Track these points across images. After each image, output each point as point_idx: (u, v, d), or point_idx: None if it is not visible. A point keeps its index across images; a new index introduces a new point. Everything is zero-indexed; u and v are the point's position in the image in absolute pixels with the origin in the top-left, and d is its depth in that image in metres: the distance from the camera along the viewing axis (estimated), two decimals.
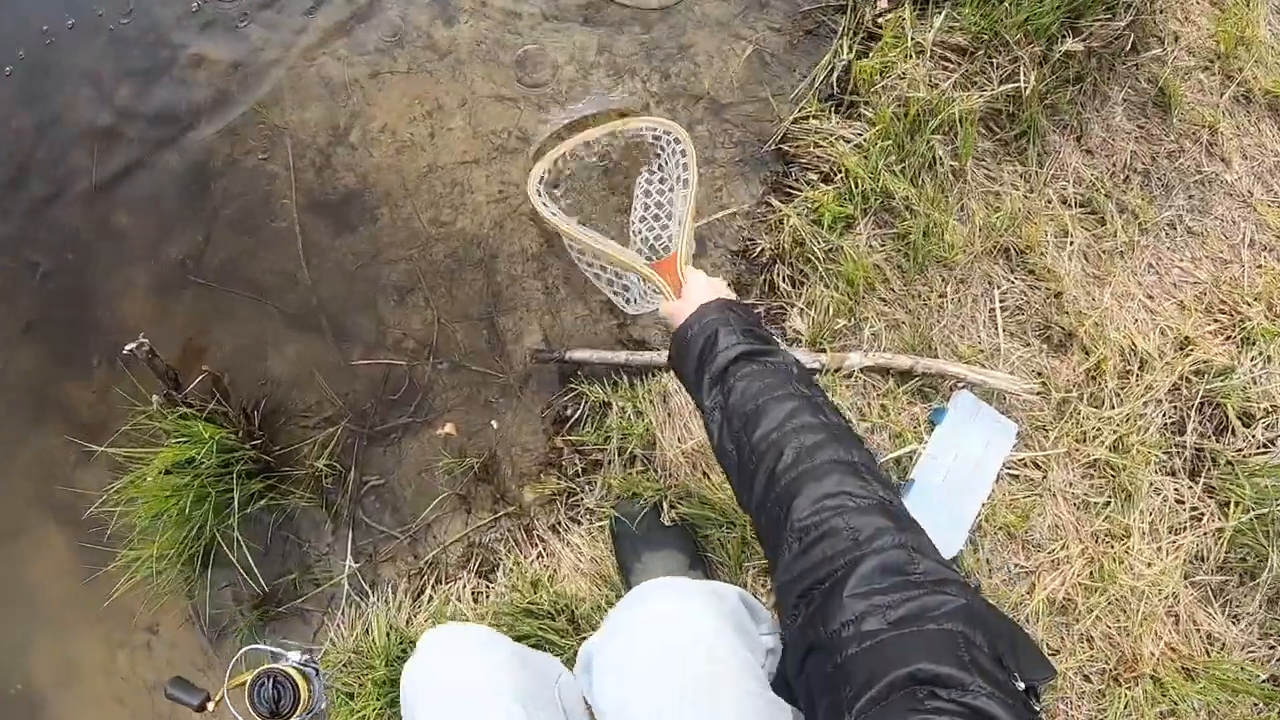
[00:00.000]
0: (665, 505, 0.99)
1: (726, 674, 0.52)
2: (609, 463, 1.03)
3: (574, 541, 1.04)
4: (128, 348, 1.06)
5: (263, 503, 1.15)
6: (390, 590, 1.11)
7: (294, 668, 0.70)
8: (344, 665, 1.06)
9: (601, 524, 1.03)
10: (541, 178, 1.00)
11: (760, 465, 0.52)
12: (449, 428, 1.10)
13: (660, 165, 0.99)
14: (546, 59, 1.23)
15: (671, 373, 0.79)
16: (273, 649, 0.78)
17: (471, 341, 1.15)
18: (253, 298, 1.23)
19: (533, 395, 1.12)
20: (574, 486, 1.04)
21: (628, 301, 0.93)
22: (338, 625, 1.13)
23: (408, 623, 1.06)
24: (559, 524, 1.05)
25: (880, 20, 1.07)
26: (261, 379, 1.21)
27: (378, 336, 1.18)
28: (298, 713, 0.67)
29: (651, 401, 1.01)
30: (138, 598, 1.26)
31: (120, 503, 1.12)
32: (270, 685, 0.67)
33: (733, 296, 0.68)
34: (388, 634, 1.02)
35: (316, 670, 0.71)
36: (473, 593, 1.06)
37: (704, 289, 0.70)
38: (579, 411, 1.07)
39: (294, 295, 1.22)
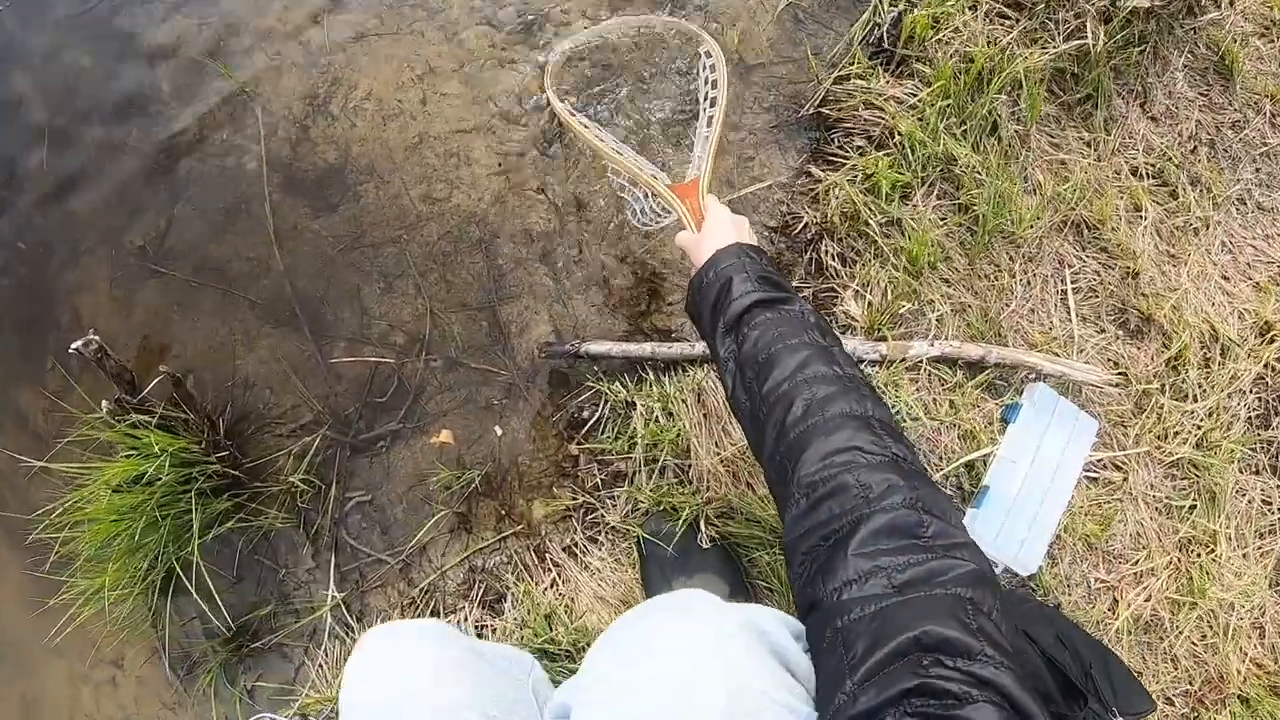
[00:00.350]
0: (703, 523, 0.85)
1: None
2: (634, 474, 0.89)
3: (594, 565, 0.89)
4: (74, 346, 0.90)
5: (230, 524, 0.99)
6: (380, 623, 0.96)
7: None
8: (328, 718, 0.90)
9: (627, 545, 0.89)
10: (556, 72, 0.93)
11: (770, 416, 0.49)
12: (445, 435, 0.96)
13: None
14: (551, 18, 1.09)
15: (691, 324, 0.70)
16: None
17: (470, 334, 1.00)
18: (220, 288, 1.08)
19: (542, 396, 0.97)
20: (593, 501, 0.90)
21: (635, 214, 0.85)
22: (319, 665, 0.98)
23: None
24: (576, 545, 0.91)
25: None
26: (229, 380, 1.05)
27: (362, 330, 1.03)
28: None
29: (684, 401, 0.88)
30: (99, 629, 1.10)
31: (64, 526, 0.95)
32: None
33: (753, 239, 0.64)
34: None
35: None
36: (476, 626, 0.91)
37: (725, 228, 0.64)
38: (598, 414, 0.93)
39: (266, 284, 1.06)
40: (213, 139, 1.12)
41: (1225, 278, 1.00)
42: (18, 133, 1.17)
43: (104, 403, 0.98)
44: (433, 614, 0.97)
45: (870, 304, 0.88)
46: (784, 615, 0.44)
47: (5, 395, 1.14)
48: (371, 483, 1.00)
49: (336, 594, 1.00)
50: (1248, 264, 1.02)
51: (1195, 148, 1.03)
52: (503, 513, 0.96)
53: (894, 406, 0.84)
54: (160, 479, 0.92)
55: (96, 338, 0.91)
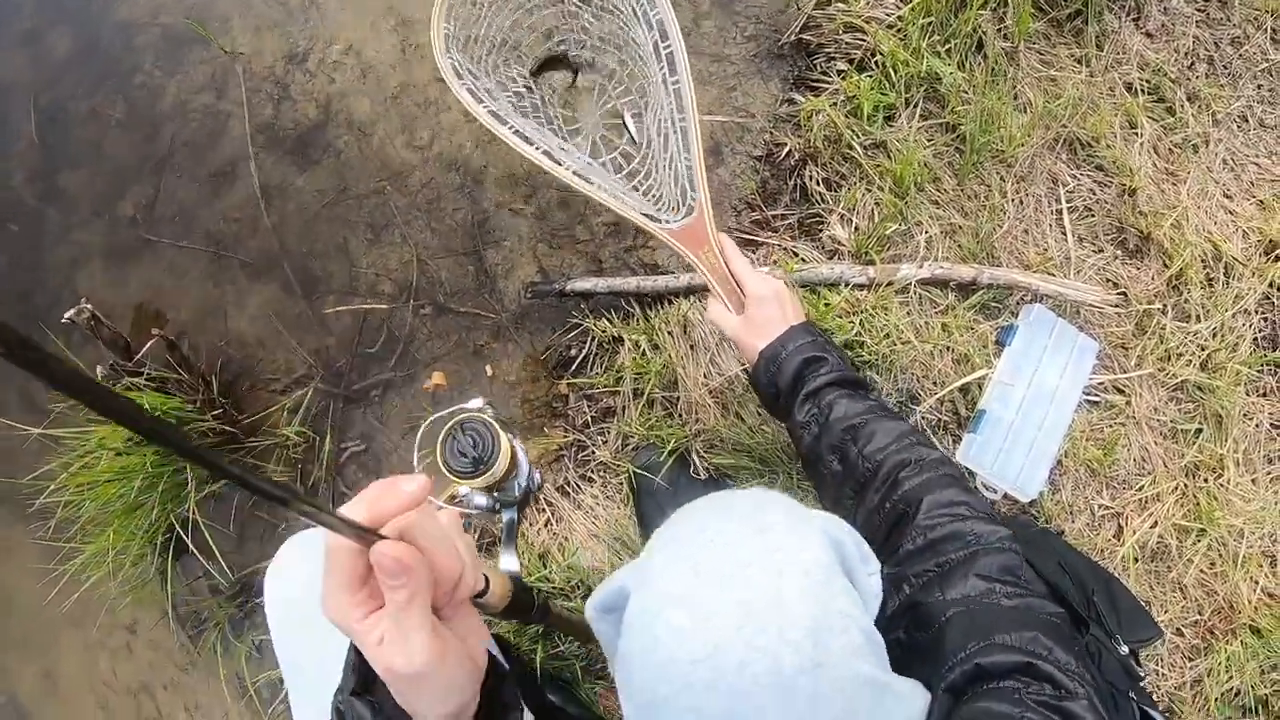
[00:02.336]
0: (694, 455, 0.84)
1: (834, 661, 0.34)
2: (623, 409, 0.88)
3: (586, 503, 0.89)
4: (67, 315, 0.91)
5: (226, 480, 1.00)
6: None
7: (481, 415, 0.59)
8: None
9: (619, 481, 0.88)
10: (446, 44, 0.75)
11: (878, 472, 0.59)
12: (437, 378, 0.95)
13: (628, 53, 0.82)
14: None
15: (750, 384, 0.73)
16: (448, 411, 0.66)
17: (457, 280, 1.00)
18: (209, 250, 1.08)
19: (530, 336, 0.97)
20: (584, 438, 0.90)
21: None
22: None
23: None
24: (568, 483, 0.90)
25: None
26: (222, 340, 1.06)
27: (350, 282, 1.03)
28: (498, 457, 0.55)
29: (670, 333, 0.87)
30: (110, 594, 1.12)
31: (66, 488, 0.96)
32: (462, 435, 0.54)
33: (797, 303, 0.71)
34: None
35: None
36: None
37: (782, 304, 0.69)
38: (585, 350, 0.92)
39: (254, 243, 1.07)
40: (196, 104, 1.13)
41: (1228, 196, 0.97)
42: (5, 112, 1.18)
43: (98, 368, 0.99)
44: None
45: (857, 228, 0.86)
46: (850, 527, 0.43)
47: (6, 371, 1.15)
48: (365, 432, 1.00)
49: None
50: (1251, 182, 0.99)
51: (1193, 64, 1.00)
52: None
53: (884, 329, 0.82)
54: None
55: (89, 306, 0.91)
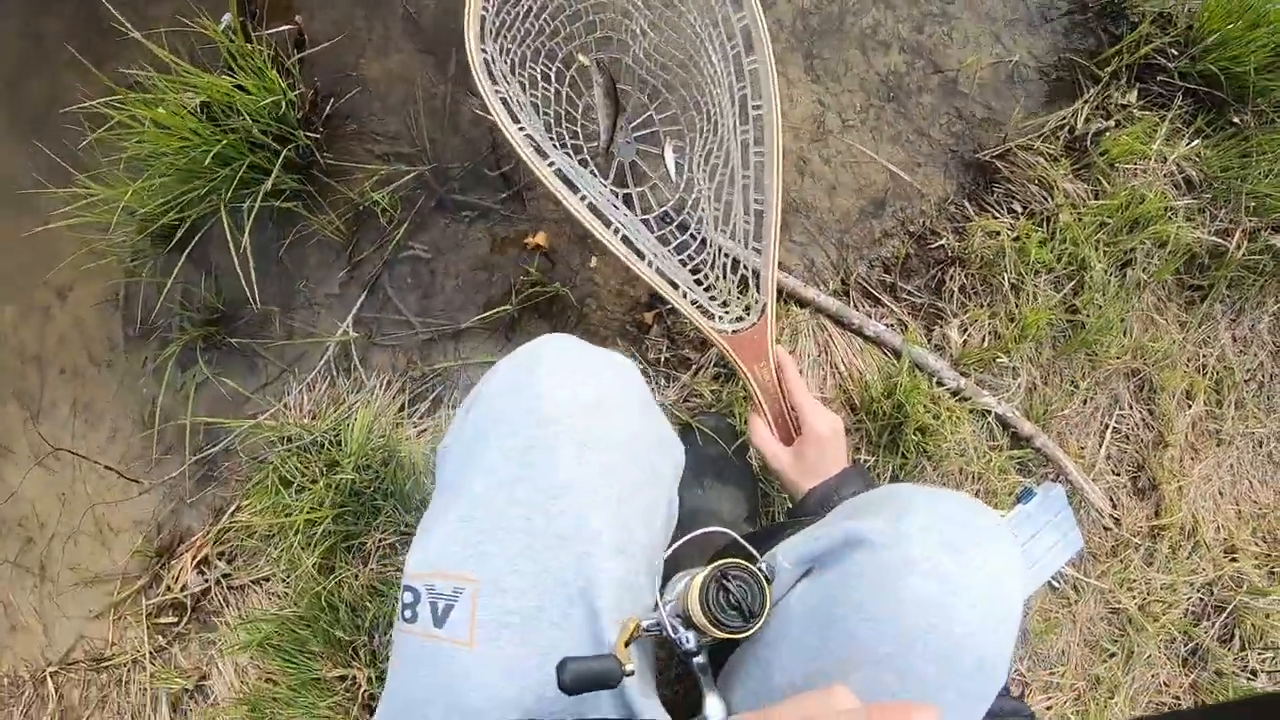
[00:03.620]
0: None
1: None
2: (699, 369, 0.90)
3: None
4: None
5: (284, 201, 0.93)
6: (380, 382, 0.92)
7: (744, 565, 0.47)
8: (284, 440, 0.85)
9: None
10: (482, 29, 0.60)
11: None
12: (540, 237, 0.94)
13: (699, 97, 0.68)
14: None
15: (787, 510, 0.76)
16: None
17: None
18: None
19: None
20: (648, 372, 0.90)
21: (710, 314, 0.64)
22: (299, 389, 0.93)
23: (387, 433, 0.87)
24: None
25: (1123, 109, 1.04)
26: (350, 71, 0.99)
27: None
28: (769, 606, 0.45)
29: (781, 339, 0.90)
30: (72, 252, 1.01)
31: (131, 112, 0.87)
32: (729, 583, 0.45)
33: (846, 445, 0.69)
34: (369, 430, 0.83)
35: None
36: None
37: (837, 445, 0.68)
38: None
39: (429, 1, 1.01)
40: None
41: (1221, 493, 1.11)
42: None
43: (226, 16, 0.92)
44: (435, 404, 0.94)
45: (966, 341, 0.93)
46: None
47: None
48: (440, 244, 0.97)
49: (352, 330, 0.95)
50: (1241, 493, 1.14)
51: (1251, 379, 1.15)
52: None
53: (952, 438, 0.89)
54: (247, 120, 0.86)
55: None
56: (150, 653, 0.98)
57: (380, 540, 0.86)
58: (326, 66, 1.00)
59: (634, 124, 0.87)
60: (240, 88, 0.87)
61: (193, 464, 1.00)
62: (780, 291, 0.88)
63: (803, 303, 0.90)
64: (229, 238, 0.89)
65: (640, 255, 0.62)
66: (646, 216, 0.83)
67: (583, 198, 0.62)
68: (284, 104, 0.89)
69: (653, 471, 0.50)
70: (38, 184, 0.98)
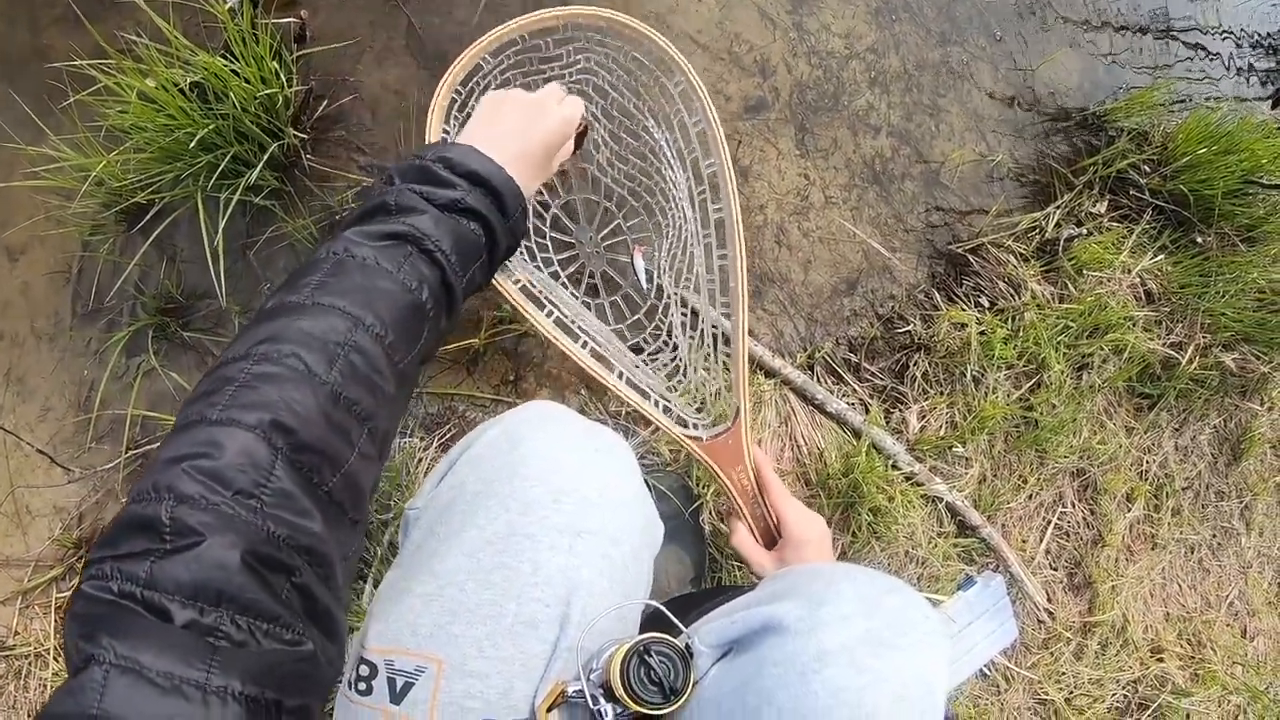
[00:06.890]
0: (709, 510, 0.86)
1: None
2: (659, 427, 0.89)
3: None
4: None
5: (264, 199, 0.91)
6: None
7: (672, 641, 0.47)
8: None
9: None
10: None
11: None
12: None
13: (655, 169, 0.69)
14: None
15: None
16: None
17: None
18: None
19: None
20: (607, 422, 0.90)
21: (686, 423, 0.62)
22: None
23: None
24: None
25: (1094, 218, 1.08)
26: (346, 76, 0.98)
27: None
28: (690, 686, 0.45)
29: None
30: (31, 206, 0.96)
31: (116, 80, 0.83)
32: (650, 659, 0.44)
33: (831, 546, 0.66)
34: None
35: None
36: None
37: (824, 545, 0.65)
38: None
39: (436, 20, 1.00)
40: None
41: (1151, 594, 1.14)
42: None
43: None
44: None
45: (924, 428, 0.95)
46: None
47: None
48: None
49: None
50: (1169, 596, 1.17)
51: (1189, 488, 1.20)
52: (510, 379, 0.93)
53: (903, 521, 0.90)
54: (237, 106, 0.84)
55: None
56: (55, 648, 0.93)
57: None
58: (324, 67, 0.98)
59: (602, 234, 0.87)
60: (237, 74, 0.85)
61: (127, 457, 0.96)
62: (750, 360, 0.89)
63: (770, 373, 0.91)
64: (202, 228, 0.86)
65: (610, 368, 0.61)
66: (619, 325, 0.82)
67: (549, 313, 0.61)
68: (279, 98, 0.87)
69: (635, 558, 0.49)
70: (5, 136, 0.94)
